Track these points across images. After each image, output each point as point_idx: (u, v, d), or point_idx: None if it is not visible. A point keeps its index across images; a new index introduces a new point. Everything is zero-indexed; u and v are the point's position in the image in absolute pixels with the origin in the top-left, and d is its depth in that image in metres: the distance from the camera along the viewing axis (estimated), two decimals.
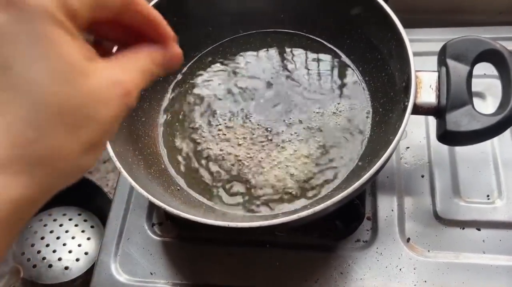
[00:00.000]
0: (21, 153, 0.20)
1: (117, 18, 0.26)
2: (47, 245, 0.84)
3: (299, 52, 0.64)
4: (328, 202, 0.43)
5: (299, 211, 0.43)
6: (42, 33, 0.21)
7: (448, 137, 0.46)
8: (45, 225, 0.87)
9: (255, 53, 0.66)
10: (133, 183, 0.47)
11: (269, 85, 0.62)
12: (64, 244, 0.84)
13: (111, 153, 0.49)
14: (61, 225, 0.87)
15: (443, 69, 0.48)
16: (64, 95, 0.21)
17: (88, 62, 0.23)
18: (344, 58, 0.62)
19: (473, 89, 0.61)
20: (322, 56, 0.63)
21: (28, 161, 0.21)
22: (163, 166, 0.59)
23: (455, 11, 0.74)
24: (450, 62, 0.48)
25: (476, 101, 0.62)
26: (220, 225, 0.44)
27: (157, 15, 0.29)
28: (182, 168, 0.58)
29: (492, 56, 0.47)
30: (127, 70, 0.25)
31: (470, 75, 0.47)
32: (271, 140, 0.58)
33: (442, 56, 0.49)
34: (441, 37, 0.57)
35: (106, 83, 0.23)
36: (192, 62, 0.66)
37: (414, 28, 0.67)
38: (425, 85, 0.48)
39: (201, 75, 0.65)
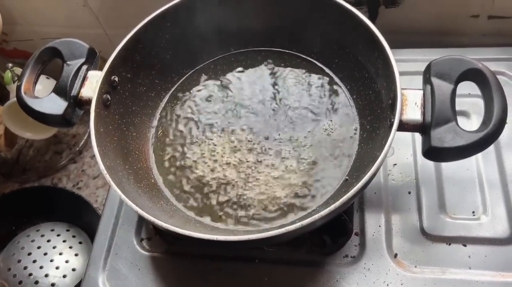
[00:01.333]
0: None
1: None
2: (34, 261, 0.83)
3: (289, 71, 0.66)
4: (316, 216, 0.43)
5: (287, 225, 0.44)
6: None
7: (432, 153, 0.47)
8: (32, 241, 0.86)
9: (246, 71, 0.67)
10: (123, 196, 0.47)
11: (259, 102, 0.63)
12: (51, 260, 0.83)
13: (102, 167, 0.49)
14: (48, 241, 0.86)
15: (428, 87, 0.49)
16: None
17: None
18: (332, 76, 0.64)
19: (458, 108, 0.63)
20: (311, 74, 0.65)
21: None
22: (153, 181, 0.59)
23: (441, 33, 0.76)
24: (435, 81, 0.49)
25: (461, 119, 0.64)
26: (209, 239, 0.44)
27: None
28: (172, 182, 0.59)
29: (475, 75, 0.49)
30: None
31: (454, 93, 0.49)
32: (261, 156, 0.58)
33: (427, 74, 0.50)
34: (426, 57, 0.58)
35: None
36: (184, 78, 0.68)
37: (401, 49, 0.69)
38: (410, 103, 0.49)
39: (192, 91, 0.66)
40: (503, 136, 0.61)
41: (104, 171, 0.49)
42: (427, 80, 0.50)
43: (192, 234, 0.44)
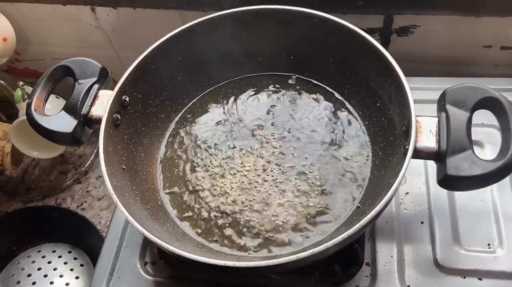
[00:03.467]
0: None
1: None
2: (34, 283, 0.81)
3: (300, 96, 0.65)
4: (328, 244, 0.42)
5: (297, 253, 0.42)
6: None
7: (448, 181, 0.46)
8: (33, 262, 0.85)
9: (256, 95, 0.67)
10: (129, 217, 0.46)
11: (269, 127, 0.63)
12: (51, 283, 0.81)
13: (109, 186, 0.48)
14: (49, 262, 0.85)
15: (443, 114, 0.49)
16: None
17: None
18: (344, 102, 0.63)
19: (472, 137, 0.63)
20: (322, 100, 0.64)
21: None
22: (159, 203, 0.58)
23: (453, 62, 0.76)
24: (450, 108, 0.49)
25: (474, 149, 0.63)
26: (216, 264, 0.43)
27: None
28: (180, 205, 0.58)
29: (491, 103, 0.48)
30: None
31: (469, 121, 0.48)
32: (271, 182, 0.57)
33: (442, 102, 0.50)
34: (439, 86, 0.57)
35: None
36: (194, 101, 0.67)
37: (413, 77, 0.69)
38: (425, 130, 0.49)
39: (202, 114, 0.66)
40: None
41: (112, 191, 0.48)
42: (442, 108, 0.49)
43: (199, 258, 0.43)
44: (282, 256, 0.42)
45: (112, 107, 0.54)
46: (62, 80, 0.58)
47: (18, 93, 0.88)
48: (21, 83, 0.88)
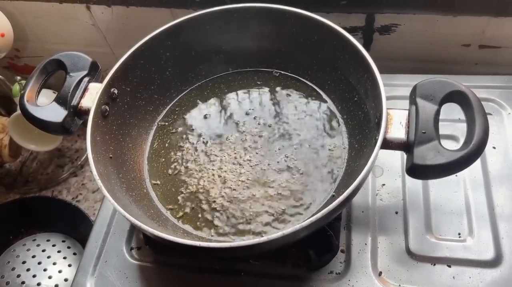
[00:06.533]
0: None
1: None
2: (28, 270, 0.84)
3: (284, 91, 0.68)
4: (297, 226, 0.44)
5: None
6: None
7: (415, 170, 0.48)
8: (28, 250, 0.87)
9: (242, 90, 0.69)
10: (112, 201, 0.48)
11: (254, 121, 0.65)
12: (44, 270, 0.84)
13: (94, 172, 0.50)
14: (43, 251, 0.87)
15: (413, 107, 0.51)
16: None
17: None
18: (325, 97, 0.66)
19: (448, 132, 0.65)
20: (305, 95, 0.67)
21: None
22: (145, 191, 0.60)
23: (433, 60, 0.78)
24: (420, 101, 0.51)
25: (450, 143, 0.65)
26: (192, 245, 0.45)
27: None
28: (164, 194, 0.60)
29: (458, 97, 0.50)
30: None
31: (437, 113, 0.50)
32: (251, 173, 0.60)
33: (413, 95, 0.52)
34: (415, 83, 0.60)
35: None
36: (182, 95, 0.70)
37: (392, 74, 0.71)
38: (395, 122, 0.51)
39: (189, 108, 0.68)
40: (491, 161, 0.62)
41: (97, 177, 0.50)
42: (412, 101, 0.52)
43: (176, 239, 0.45)
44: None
45: (100, 99, 0.57)
46: (55, 73, 0.61)
47: (16, 87, 0.91)
48: (18, 77, 0.91)
